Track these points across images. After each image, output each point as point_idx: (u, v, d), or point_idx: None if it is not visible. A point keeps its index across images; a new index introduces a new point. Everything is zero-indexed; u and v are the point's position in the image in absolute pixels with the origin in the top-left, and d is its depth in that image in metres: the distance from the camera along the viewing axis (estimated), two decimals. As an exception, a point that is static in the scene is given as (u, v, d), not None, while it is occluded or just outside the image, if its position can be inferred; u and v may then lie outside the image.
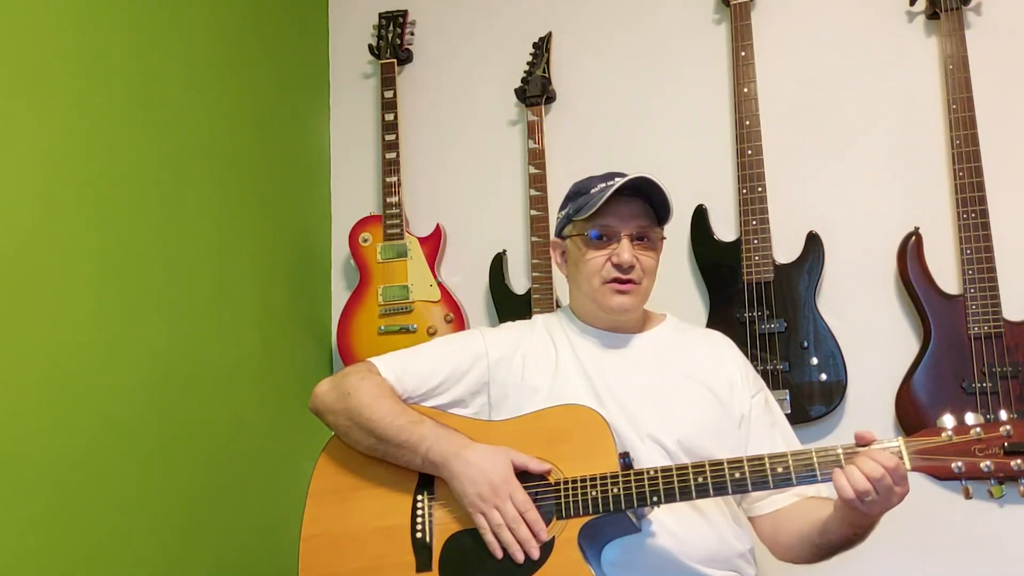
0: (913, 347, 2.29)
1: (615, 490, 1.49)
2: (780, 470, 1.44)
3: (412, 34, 2.85)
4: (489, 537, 1.51)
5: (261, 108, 2.61)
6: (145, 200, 2.11)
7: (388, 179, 2.71)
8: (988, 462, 1.33)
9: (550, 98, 2.70)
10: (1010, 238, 2.24)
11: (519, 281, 2.66)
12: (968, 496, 1.36)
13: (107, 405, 1.93)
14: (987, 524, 2.19)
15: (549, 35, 2.72)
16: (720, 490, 1.46)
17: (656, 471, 1.49)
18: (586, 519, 1.50)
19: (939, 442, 1.36)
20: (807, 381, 2.30)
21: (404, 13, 2.85)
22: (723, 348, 1.80)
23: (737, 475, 1.45)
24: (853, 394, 2.32)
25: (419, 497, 1.61)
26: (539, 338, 1.79)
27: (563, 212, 1.79)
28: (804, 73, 2.51)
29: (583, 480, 1.51)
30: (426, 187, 2.82)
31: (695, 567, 1.57)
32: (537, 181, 2.60)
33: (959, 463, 1.34)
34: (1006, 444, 1.33)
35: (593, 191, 1.69)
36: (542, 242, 2.55)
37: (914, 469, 1.37)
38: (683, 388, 1.69)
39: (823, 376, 2.29)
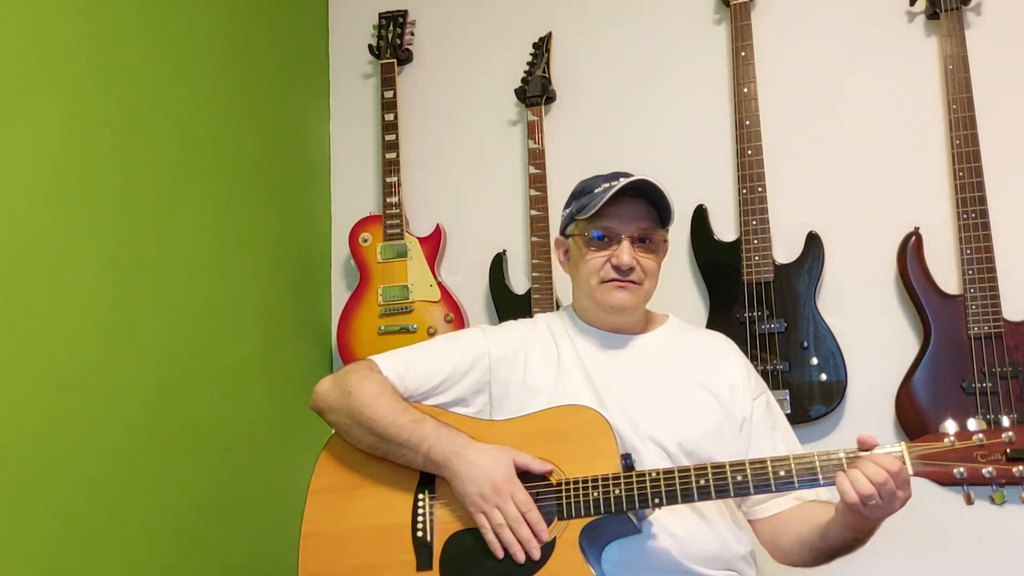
0: (913, 347, 2.29)
1: (616, 491, 1.49)
2: (782, 473, 1.44)
3: (412, 34, 2.85)
4: (490, 537, 1.51)
5: (261, 108, 2.61)
6: (146, 200, 2.11)
7: (388, 179, 2.71)
8: (990, 468, 1.33)
9: (550, 98, 2.70)
10: (1010, 238, 2.24)
11: (519, 281, 2.66)
12: (970, 502, 1.37)
13: (108, 404, 1.93)
14: (989, 530, 2.18)
15: (549, 35, 2.72)
16: (722, 492, 1.46)
17: (658, 473, 1.49)
18: (587, 520, 1.50)
19: (942, 447, 1.37)
20: (807, 381, 2.30)
21: (404, 13, 2.85)
22: (725, 350, 1.80)
23: (739, 478, 1.45)
24: (853, 394, 2.32)
25: (420, 496, 1.61)
26: (541, 337, 1.79)
27: (567, 210, 1.79)
28: (804, 73, 2.51)
29: (584, 481, 1.51)
30: (426, 187, 2.82)
31: (695, 568, 1.57)
32: (537, 181, 2.60)
33: (961, 469, 1.35)
34: (1008, 451, 1.33)
35: (596, 191, 1.69)
36: (542, 242, 2.55)
37: (916, 474, 1.38)
38: (684, 390, 1.69)
39: (823, 376, 2.29)
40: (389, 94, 2.76)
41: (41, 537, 1.74)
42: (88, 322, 1.91)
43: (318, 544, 1.63)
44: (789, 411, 2.27)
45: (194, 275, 2.24)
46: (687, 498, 1.47)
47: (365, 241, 2.71)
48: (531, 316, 1.97)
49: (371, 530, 1.61)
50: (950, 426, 1.38)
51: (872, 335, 2.35)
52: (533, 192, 2.60)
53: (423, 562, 1.56)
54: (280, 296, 2.62)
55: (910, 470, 1.37)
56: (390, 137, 2.74)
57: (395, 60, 2.80)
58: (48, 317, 1.81)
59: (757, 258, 2.36)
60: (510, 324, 1.89)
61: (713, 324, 2.39)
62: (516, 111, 2.77)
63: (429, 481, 1.62)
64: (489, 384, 1.75)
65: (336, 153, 2.97)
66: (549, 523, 1.52)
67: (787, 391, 2.29)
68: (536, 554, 1.49)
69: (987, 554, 2.19)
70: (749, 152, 2.40)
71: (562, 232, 1.82)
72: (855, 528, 1.46)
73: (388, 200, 2.70)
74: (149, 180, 2.12)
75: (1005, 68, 2.33)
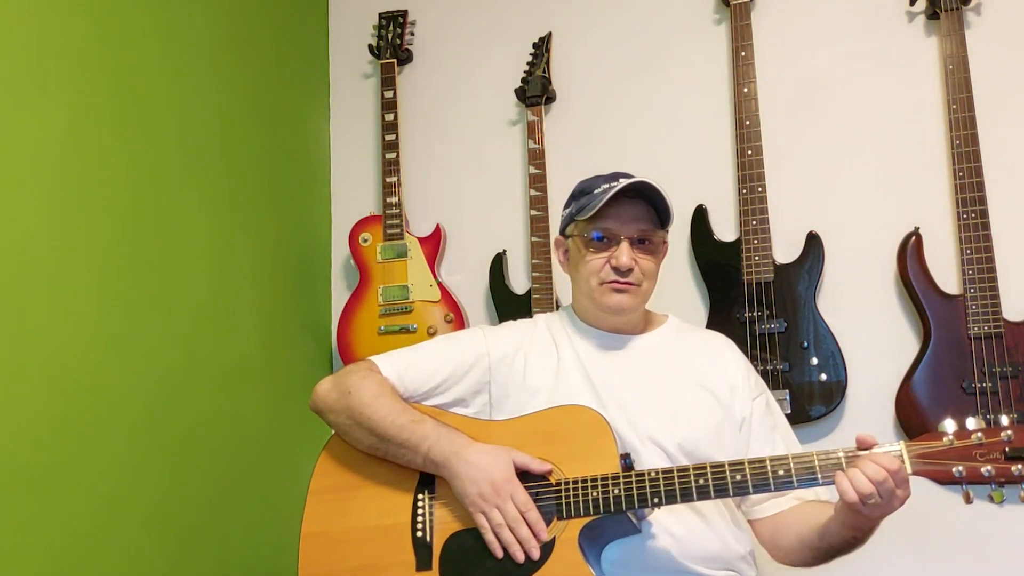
0: (913, 347, 2.29)
1: (616, 491, 1.49)
2: (781, 472, 1.44)
3: (412, 34, 2.85)
4: (490, 537, 1.51)
5: (261, 108, 2.61)
6: (147, 200, 2.11)
7: (388, 179, 2.71)
8: (989, 467, 1.33)
9: (550, 98, 2.70)
10: (1010, 238, 2.24)
11: (519, 281, 2.66)
12: (969, 500, 1.37)
13: (110, 405, 1.94)
14: (988, 529, 2.19)
15: (549, 35, 2.72)
16: (721, 492, 1.46)
17: (657, 472, 1.49)
18: (587, 520, 1.50)
19: (940, 446, 1.37)
20: (807, 381, 2.30)
21: (404, 13, 2.85)
22: (725, 350, 1.79)
23: (738, 477, 1.45)
24: (853, 394, 2.32)
25: (420, 496, 1.61)
26: (540, 338, 1.79)
27: (566, 211, 1.78)
28: (804, 73, 2.51)
29: (584, 481, 1.51)
30: (426, 187, 2.82)
31: (695, 568, 1.57)
32: (537, 181, 2.60)
33: (960, 467, 1.35)
34: (1007, 449, 1.33)
35: (596, 191, 1.69)
36: (542, 242, 2.55)
37: (915, 473, 1.38)
38: (684, 390, 1.69)
39: (823, 376, 2.29)
40: (389, 94, 2.76)
41: (43, 537, 1.74)
42: (89, 322, 1.91)
43: (318, 544, 1.63)
44: (789, 411, 2.27)
45: (194, 275, 2.24)
46: (686, 498, 1.47)
47: (365, 241, 2.71)
48: (531, 316, 1.97)
49: (371, 530, 1.61)
50: (949, 425, 1.37)
51: (872, 335, 2.35)
52: (533, 192, 2.60)
53: (423, 562, 1.56)
54: (280, 296, 2.62)
55: (909, 469, 1.37)
56: (390, 137, 2.74)
57: (395, 60, 2.80)
58: (49, 317, 1.81)
59: (757, 258, 2.36)
60: (510, 324, 1.89)
61: (713, 324, 2.39)
62: (516, 111, 2.77)
63: (429, 481, 1.62)
64: (489, 384, 1.75)
65: (336, 153, 2.97)
66: (548, 523, 1.51)
67: (787, 391, 2.29)
68: (535, 554, 1.49)
69: (986, 553, 2.20)
70: (749, 152, 2.40)
71: (561, 232, 1.82)
72: (854, 527, 1.46)
73: (388, 200, 2.70)
74: (150, 180, 2.12)
75: (1005, 68, 2.33)
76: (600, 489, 1.50)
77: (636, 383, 1.68)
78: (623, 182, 1.65)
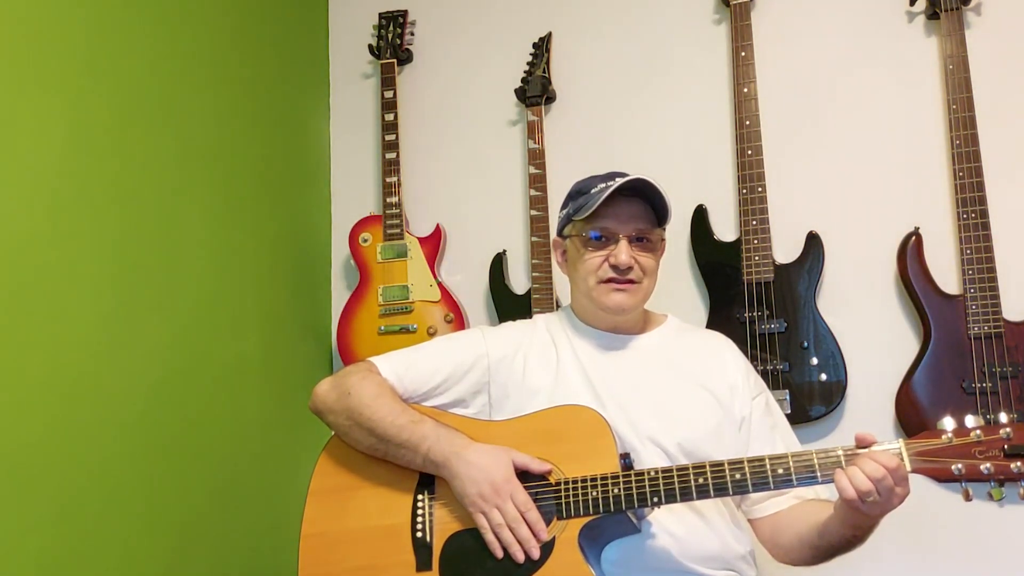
0: (913, 347, 2.29)
1: (615, 491, 1.49)
2: (780, 471, 1.44)
3: (412, 34, 2.85)
4: (490, 537, 1.51)
5: (261, 108, 2.61)
6: (146, 200, 2.11)
7: (388, 179, 2.71)
8: (988, 464, 1.33)
9: (550, 98, 2.70)
10: (1010, 238, 2.24)
11: (519, 281, 2.66)
12: (968, 498, 1.37)
13: (109, 405, 1.93)
14: (987, 526, 2.18)
15: (549, 35, 2.72)
16: (720, 491, 1.46)
17: (657, 472, 1.49)
18: (586, 519, 1.50)
19: (939, 444, 1.37)
20: (807, 381, 2.30)
21: (404, 13, 2.85)
22: (724, 350, 1.79)
23: (738, 476, 1.45)
24: (853, 394, 2.32)
25: (419, 496, 1.61)
26: (540, 338, 1.79)
27: (563, 211, 1.78)
28: (804, 73, 2.51)
29: (584, 480, 1.51)
30: (426, 187, 2.82)
31: (695, 568, 1.57)
32: (537, 181, 2.60)
33: (959, 465, 1.35)
34: (1006, 446, 1.33)
35: (593, 191, 1.69)
36: (542, 242, 2.55)
37: (914, 471, 1.38)
38: (684, 390, 1.69)
39: (823, 376, 2.29)
40: (389, 94, 2.77)
41: (42, 536, 1.74)
42: (90, 323, 1.91)
43: (318, 544, 1.63)
44: (789, 411, 2.27)
45: (194, 275, 2.24)
46: (686, 496, 1.47)
47: (365, 241, 2.71)
48: (531, 316, 1.97)
49: (371, 530, 1.61)
50: (948, 423, 1.37)
51: (872, 335, 2.35)
52: (533, 192, 2.60)
53: (422, 562, 1.56)
54: (280, 296, 2.62)
55: (908, 467, 1.37)
56: (390, 137, 2.74)
57: (395, 60, 2.80)
58: (50, 318, 1.81)
59: (757, 258, 2.36)
60: (509, 325, 1.89)
61: (713, 324, 2.39)
62: (516, 111, 2.77)
63: (428, 482, 1.62)
64: (488, 385, 1.75)
65: (336, 153, 2.97)
66: (548, 523, 1.51)
67: (787, 391, 2.29)
68: (535, 554, 1.49)
69: (986, 551, 2.19)
70: (749, 152, 2.40)
71: (559, 233, 1.82)
72: (854, 525, 1.46)
73: (388, 200, 2.70)
74: (150, 180, 2.13)
75: (1005, 68, 2.33)
76: (600, 489, 1.50)
77: (636, 383, 1.68)
78: (619, 181, 1.65)
